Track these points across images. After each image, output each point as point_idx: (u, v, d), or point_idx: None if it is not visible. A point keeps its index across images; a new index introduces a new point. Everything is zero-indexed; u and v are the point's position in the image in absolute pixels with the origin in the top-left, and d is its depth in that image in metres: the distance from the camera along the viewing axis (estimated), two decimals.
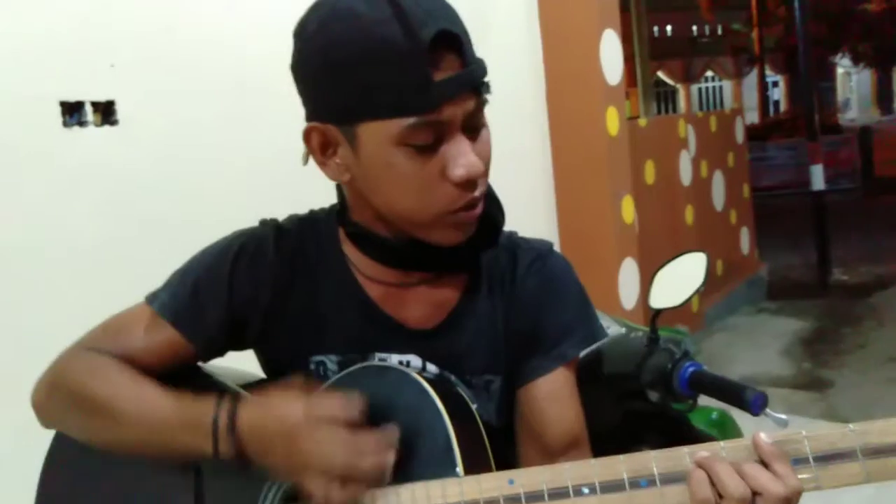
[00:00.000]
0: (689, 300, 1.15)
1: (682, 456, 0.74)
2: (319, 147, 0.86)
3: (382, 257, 0.92)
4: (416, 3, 0.78)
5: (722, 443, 0.74)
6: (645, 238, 4.03)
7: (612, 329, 1.29)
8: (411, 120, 0.78)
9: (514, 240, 0.99)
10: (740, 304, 5.58)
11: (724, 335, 5.02)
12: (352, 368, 0.90)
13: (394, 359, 0.92)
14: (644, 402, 1.23)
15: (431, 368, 0.93)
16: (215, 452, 0.81)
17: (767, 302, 5.78)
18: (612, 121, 3.22)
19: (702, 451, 0.74)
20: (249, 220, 0.99)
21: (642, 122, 4.67)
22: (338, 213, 0.95)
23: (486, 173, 0.86)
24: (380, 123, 0.79)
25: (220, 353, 0.97)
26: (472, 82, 0.81)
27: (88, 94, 1.77)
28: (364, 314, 0.93)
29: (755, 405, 1.06)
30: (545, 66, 3.21)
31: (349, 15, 0.78)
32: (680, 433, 1.30)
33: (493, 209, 0.94)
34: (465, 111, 0.81)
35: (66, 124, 1.74)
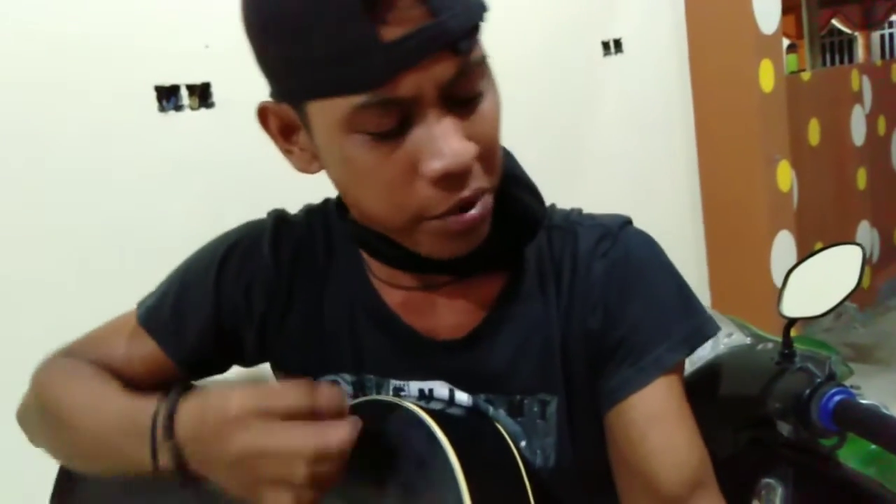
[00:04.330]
0: (834, 309, 0.87)
1: None
2: (280, 131, 0.67)
3: (392, 262, 0.72)
4: None
5: None
6: (807, 207, 3.61)
7: (735, 337, 1.04)
8: (358, 99, 0.57)
9: (572, 218, 0.76)
10: None
11: None
12: (352, 403, 0.72)
13: (413, 387, 0.73)
14: (773, 432, 0.97)
15: (461, 398, 0.73)
16: (155, 467, 0.63)
17: None
18: (767, 75, 2.85)
19: None
20: None
21: (806, 75, 4.16)
22: (337, 209, 0.77)
23: (489, 159, 0.63)
24: (325, 103, 0.59)
25: (216, 370, 0.81)
26: (442, 39, 0.57)
27: (183, 77, 1.71)
28: (380, 327, 0.75)
29: None
30: (687, 14, 2.88)
31: None
32: (821, 469, 1.02)
33: (525, 197, 0.72)
34: (438, 81, 0.58)
35: (163, 109, 1.69)
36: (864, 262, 0.85)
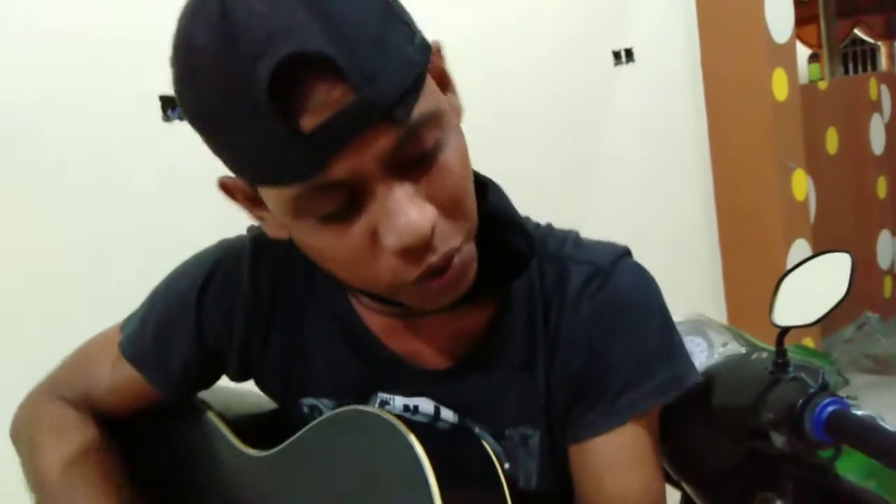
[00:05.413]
0: (825, 317, 0.86)
1: None
2: (247, 201, 0.64)
3: (374, 298, 0.71)
4: (251, 16, 0.49)
5: None
6: (825, 216, 3.58)
7: (731, 347, 1.02)
8: (294, 190, 0.53)
9: (565, 250, 0.73)
10: None
11: None
12: (329, 414, 0.72)
13: (398, 403, 0.72)
14: (768, 443, 0.95)
15: (447, 415, 0.72)
16: None
17: None
18: (780, 84, 2.83)
19: None
20: None
21: (823, 84, 4.13)
22: None
23: (457, 211, 0.59)
24: (270, 190, 0.56)
25: (202, 389, 0.82)
26: (370, 114, 0.51)
27: None
28: (362, 352, 0.74)
29: None
30: (700, 24, 2.87)
31: (187, 51, 0.55)
32: (821, 482, 1.01)
33: (511, 237, 0.69)
34: (377, 155, 0.53)
35: (167, 118, 1.69)
36: (854, 270, 0.83)
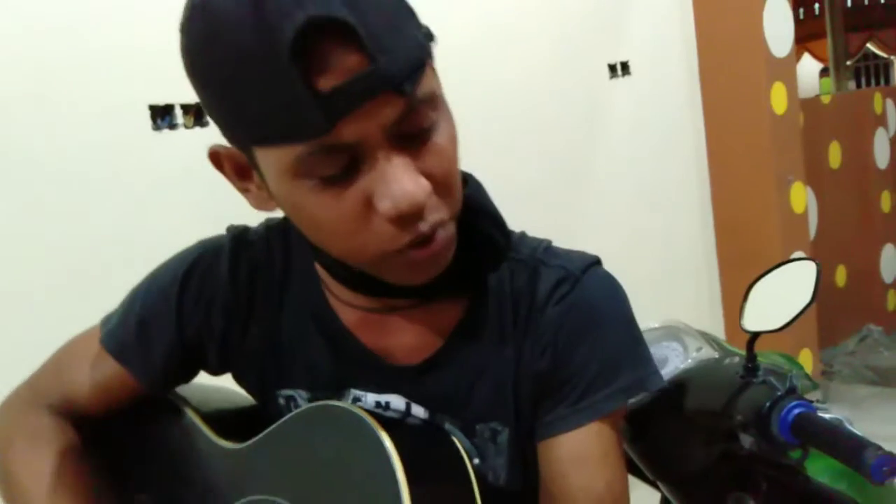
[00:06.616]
0: (792, 322, 0.89)
1: None
2: (234, 172, 0.67)
3: (350, 284, 0.74)
4: None
5: None
6: (828, 230, 3.60)
7: (704, 351, 1.05)
8: (300, 148, 0.57)
9: (538, 255, 0.76)
10: None
11: None
12: (302, 409, 0.75)
13: (369, 399, 0.75)
14: (739, 445, 0.98)
15: (417, 412, 0.74)
16: None
17: None
18: (779, 98, 2.86)
19: None
20: None
21: (825, 98, 4.15)
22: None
23: (446, 189, 0.63)
24: (270, 151, 0.59)
25: (182, 382, 0.85)
26: (381, 84, 0.56)
27: (178, 96, 1.75)
28: (335, 346, 0.76)
29: (876, 472, 0.79)
30: (697, 37, 2.91)
31: (207, 11, 0.57)
32: (791, 482, 1.03)
33: (488, 228, 0.73)
34: (382, 123, 0.57)
35: (157, 127, 1.73)
36: (819, 277, 0.86)
